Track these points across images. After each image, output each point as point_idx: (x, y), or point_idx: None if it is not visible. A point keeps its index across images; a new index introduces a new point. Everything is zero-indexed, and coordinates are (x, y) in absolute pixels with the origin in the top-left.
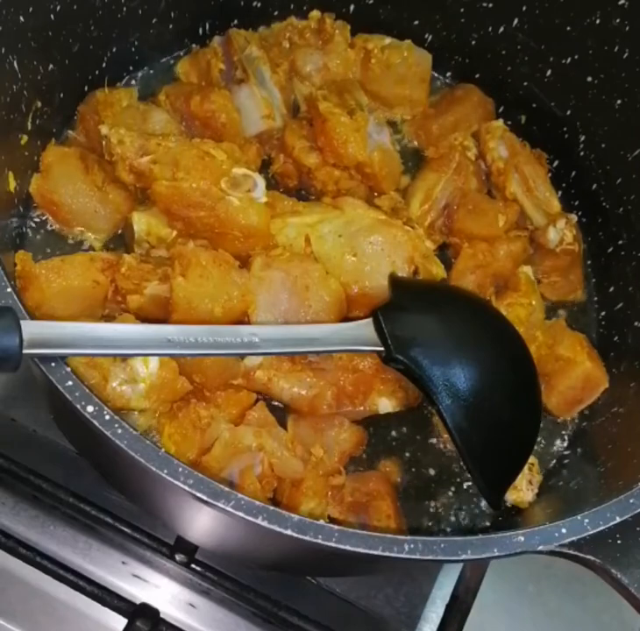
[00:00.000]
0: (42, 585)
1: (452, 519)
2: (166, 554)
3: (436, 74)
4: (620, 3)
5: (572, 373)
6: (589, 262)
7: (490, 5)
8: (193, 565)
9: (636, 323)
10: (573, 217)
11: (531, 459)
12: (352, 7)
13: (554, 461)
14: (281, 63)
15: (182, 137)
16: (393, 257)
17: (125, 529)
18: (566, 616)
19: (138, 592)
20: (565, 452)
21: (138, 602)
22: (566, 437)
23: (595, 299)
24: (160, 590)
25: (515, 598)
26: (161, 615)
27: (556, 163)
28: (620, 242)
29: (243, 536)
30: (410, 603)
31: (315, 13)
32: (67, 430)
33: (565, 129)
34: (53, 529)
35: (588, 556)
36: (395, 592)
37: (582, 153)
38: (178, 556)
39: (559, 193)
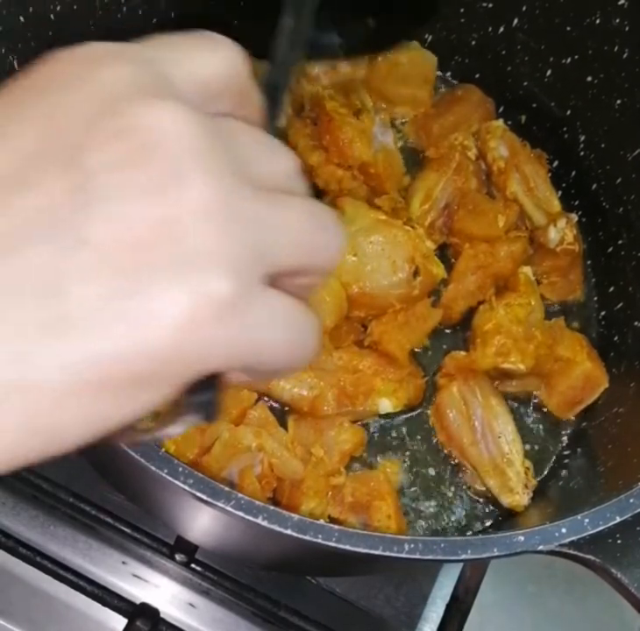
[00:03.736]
0: (42, 585)
1: (452, 518)
2: (166, 554)
3: (437, 74)
4: (620, 3)
5: (572, 373)
6: (589, 262)
7: (490, 5)
8: (193, 565)
9: (636, 323)
10: (574, 217)
11: (526, 463)
12: None
13: (554, 461)
14: None
15: None
16: (393, 257)
17: (125, 529)
18: (566, 616)
19: (138, 592)
20: (565, 452)
21: (138, 602)
22: (566, 437)
23: (595, 299)
24: (159, 590)
25: (515, 598)
26: (161, 615)
27: (556, 163)
28: (620, 242)
29: (243, 536)
30: (410, 603)
31: None
32: None
33: (565, 129)
34: (53, 529)
35: (588, 556)
36: (395, 592)
37: (582, 153)
38: (178, 556)
39: (559, 193)
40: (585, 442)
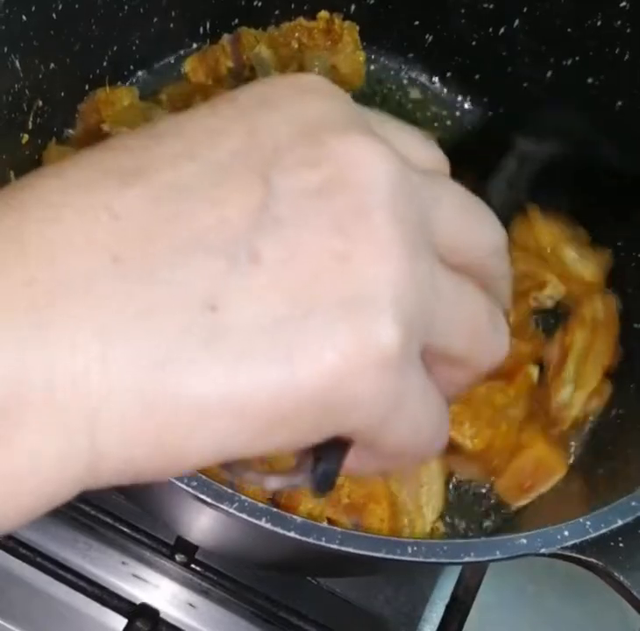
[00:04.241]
0: (42, 586)
1: (447, 520)
2: (166, 554)
3: (434, 80)
4: (621, 5)
5: (523, 455)
6: None
7: (491, 6)
8: (193, 565)
9: (635, 325)
10: (596, 408)
11: (436, 526)
12: (352, 7)
13: None
14: (290, 63)
15: None
16: None
17: (125, 529)
18: (566, 617)
19: (138, 593)
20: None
21: (138, 602)
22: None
23: None
24: (159, 590)
25: (515, 598)
26: (161, 615)
27: None
28: (619, 243)
29: (245, 537)
30: (410, 603)
31: (323, 14)
32: None
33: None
34: (53, 529)
35: (591, 559)
36: (396, 593)
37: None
38: (178, 557)
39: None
40: (585, 443)
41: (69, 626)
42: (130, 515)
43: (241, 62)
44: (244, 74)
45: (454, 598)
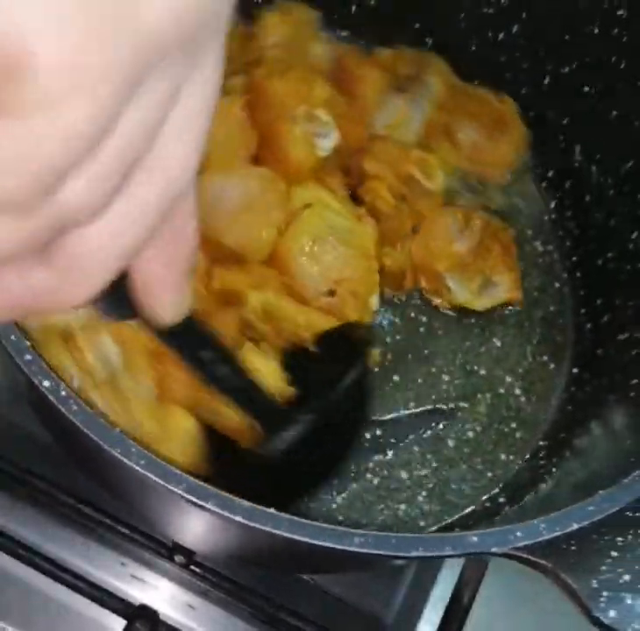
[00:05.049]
0: (40, 587)
1: (422, 524)
2: (165, 555)
3: None
4: (619, 13)
5: None
6: (578, 275)
7: (490, 11)
8: (192, 566)
9: (619, 337)
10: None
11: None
12: (353, 8)
13: (530, 470)
14: None
15: None
16: (332, 270)
17: (124, 530)
18: (566, 616)
19: (137, 594)
20: (542, 462)
21: (137, 603)
22: (544, 446)
23: (583, 311)
24: (158, 591)
25: (515, 598)
26: (160, 616)
27: (551, 173)
28: (610, 254)
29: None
30: (410, 604)
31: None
32: (45, 423)
33: (561, 137)
34: (52, 530)
35: (541, 561)
36: (395, 593)
37: (577, 163)
38: (177, 558)
39: (553, 203)
40: (560, 453)
41: (68, 627)
42: (129, 516)
43: None
44: None
45: (454, 597)
